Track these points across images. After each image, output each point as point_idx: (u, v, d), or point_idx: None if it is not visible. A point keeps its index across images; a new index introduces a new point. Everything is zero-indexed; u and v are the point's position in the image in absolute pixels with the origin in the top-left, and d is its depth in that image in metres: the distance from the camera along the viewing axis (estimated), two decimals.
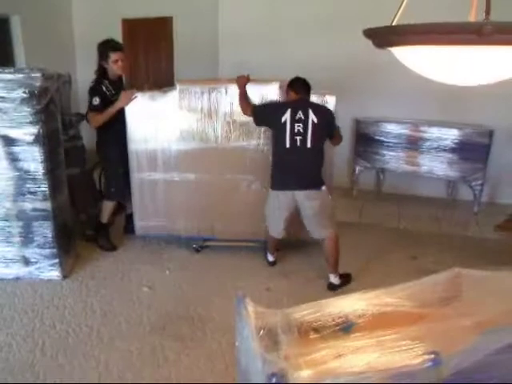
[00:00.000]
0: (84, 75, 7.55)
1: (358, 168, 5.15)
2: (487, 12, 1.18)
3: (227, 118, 3.41)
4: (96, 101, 3.35)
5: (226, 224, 3.63)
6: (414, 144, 4.83)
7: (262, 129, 3.36)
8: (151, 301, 2.99)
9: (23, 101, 2.88)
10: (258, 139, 3.44)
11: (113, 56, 3.42)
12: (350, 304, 1.70)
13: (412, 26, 1.24)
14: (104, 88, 3.46)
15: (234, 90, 3.30)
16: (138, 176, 3.57)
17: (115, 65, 3.44)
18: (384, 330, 1.45)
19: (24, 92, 2.87)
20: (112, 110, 3.40)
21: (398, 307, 1.67)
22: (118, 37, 7.32)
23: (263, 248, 3.61)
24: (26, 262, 3.18)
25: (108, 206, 3.70)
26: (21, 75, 2.89)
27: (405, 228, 4.33)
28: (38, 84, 2.88)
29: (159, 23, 7.18)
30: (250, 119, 3.24)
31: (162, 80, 7.16)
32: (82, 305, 2.92)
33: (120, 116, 3.42)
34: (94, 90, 3.42)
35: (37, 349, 2.48)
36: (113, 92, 3.48)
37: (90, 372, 2.32)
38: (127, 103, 3.41)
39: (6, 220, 3.10)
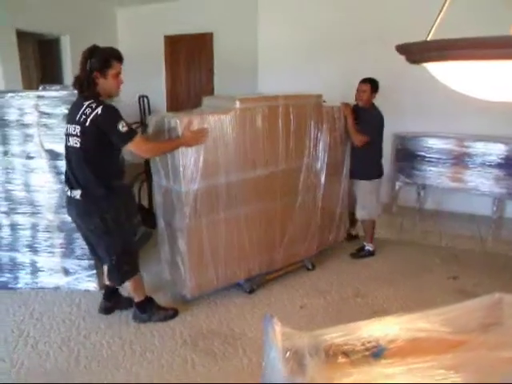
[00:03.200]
0: (126, 90, 7.85)
1: (397, 184, 5.01)
2: None
3: (285, 138, 3.19)
4: (125, 126, 2.40)
5: (284, 251, 3.40)
6: (457, 159, 4.65)
7: (312, 147, 3.35)
8: (185, 315, 2.99)
9: (65, 116, 3.00)
10: (308, 158, 3.37)
11: (116, 67, 2.47)
12: (382, 328, 1.63)
13: (449, 40, 1.19)
14: None
15: (291, 107, 3.14)
16: (195, 224, 2.84)
17: (115, 80, 2.49)
18: (417, 358, 1.38)
19: (66, 108, 3.00)
20: (175, 143, 2.66)
21: (433, 333, 1.58)
22: (160, 52, 7.58)
23: (303, 266, 3.60)
24: (66, 272, 3.27)
25: (136, 282, 2.82)
26: (64, 92, 3.02)
27: (446, 246, 4.16)
28: None
29: (200, 39, 7.35)
30: (305, 138, 3.28)
31: (201, 95, 7.31)
32: (116, 316, 2.97)
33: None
34: (115, 111, 2.43)
35: (71, 358, 2.54)
36: None
37: (120, 382, 2.34)
38: (199, 143, 2.73)
39: (49, 231, 3.21)
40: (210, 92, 7.47)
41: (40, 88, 3.42)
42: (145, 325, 2.86)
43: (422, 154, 4.79)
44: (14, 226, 3.22)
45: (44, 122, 3.04)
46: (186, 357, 2.56)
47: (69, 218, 3.03)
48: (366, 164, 3.69)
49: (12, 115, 3.08)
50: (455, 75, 1.29)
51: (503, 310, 1.68)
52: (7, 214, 3.20)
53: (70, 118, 2.50)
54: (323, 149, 3.45)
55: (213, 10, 6.87)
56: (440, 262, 3.77)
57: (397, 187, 5.03)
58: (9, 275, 3.30)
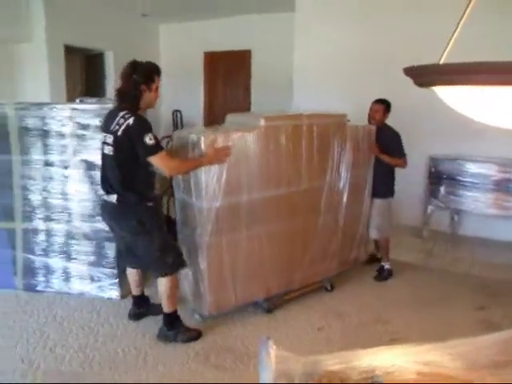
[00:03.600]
0: (165, 104, 8.09)
1: (430, 207, 4.86)
2: None
3: (308, 157, 3.16)
4: (152, 139, 2.45)
5: (304, 270, 3.34)
6: (496, 185, 4.46)
7: (334, 166, 3.34)
8: (201, 329, 2.96)
9: (98, 128, 3.12)
10: (330, 177, 3.35)
11: (157, 80, 2.60)
12: (387, 358, 1.58)
13: (455, 64, 1.17)
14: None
15: (315, 126, 3.15)
16: (215, 241, 2.82)
17: (156, 93, 2.62)
18: None
19: (100, 121, 3.11)
20: (198, 162, 2.67)
21: (440, 368, 1.51)
22: (199, 68, 7.77)
23: (322, 286, 3.55)
24: (91, 279, 3.36)
25: (173, 282, 2.76)
26: (96, 106, 3.15)
27: (477, 274, 3.97)
28: None
29: (239, 56, 7.49)
30: (328, 157, 3.29)
31: (238, 111, 7.42)
32: (134, 326, 3.01)
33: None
34: (146, 123, 2.51)
35: (86, 363, 2.59)
36: None
37: None
38: (222, 162, 2.73)
39: (78, 239, 3.32)
40: (247, 108, 7.57)
41: (77, 101, 3.58)
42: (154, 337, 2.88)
43: (459, 178, 4.62)
44: (48, 232, 3.35)
45: (79, 133, 3.18)
46: (197, 370, 2.57)
47: (100, 227, 3.15)
48: (381, 182, 3.69)
49: (50, 126, 3.22)
50: (463, 100, 1.26)
51: None
52: (44, 220, 3.34)
53: (106, 128, 2.62)
54: (346, 168, 3.42)
55: (251, 27, 7.00)
56: (468, 291, 3.60)
57: (429, 211, 4.87)
58: (39, 278, 3.43)
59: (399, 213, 5.19)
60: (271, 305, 3.22)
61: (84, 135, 3.19)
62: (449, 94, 1.29)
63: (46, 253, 3.38)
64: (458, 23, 1.38)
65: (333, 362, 1.45)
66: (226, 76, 7.80)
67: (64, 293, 3.40)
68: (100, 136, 3.06)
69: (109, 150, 2.57)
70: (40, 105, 3.26)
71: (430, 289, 3.64)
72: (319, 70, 5.35)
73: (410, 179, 4.90)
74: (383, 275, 3.77)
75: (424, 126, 4.74)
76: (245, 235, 2.94)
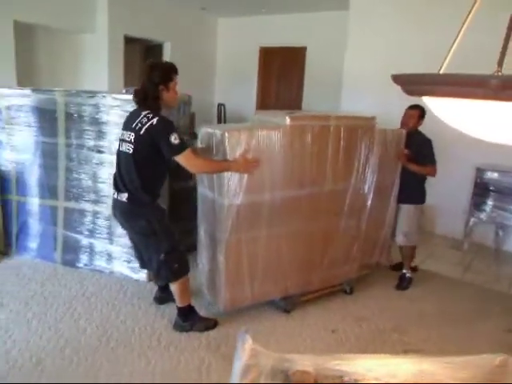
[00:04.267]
0: (217, 97, 8.26)
1: (472, 220, 4.63)
2: (499, 64, 1.03)
3: (333, 159, 3.11)
4: (177, 139, 2.49)
5: (323, 272, 3.32)
6: None
7: (360, 169, 3.27)
8: (218, 319, 3.04)
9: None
10: (356, 180, 3.27)
11: (175, 79, 2.62)
12: (378, 365, 1.56)
13: (424, 75, 1.17)
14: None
15: (342, 128, 3.08)
16: (235, 238, 2.83)
17: (174, 92, 2.64)
18: None
19: None
20: (225, 165, 2.68)
21: (431, 381, 1.48)
22: (254, 63, 7.86)
23: (341, 289, 3.52)
24: (123, 260, 3.54)
25: (183, 284, 2.83)
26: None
27: None
28: None
29: (294, 52, 7.49)
30: (354, 159, 3.22)
31: (290, 106, 7.43)
32: (155, 308, 3.15)
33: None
34: (170, 123, 2.55)
35: (104, 337, 2.77)
36: None
37: (137, 369, 2.50)
38: (248, 172, 2.73)
39: (110, 220, 3.51)
40: (298, 106, 7.57)
41: (123, 91, 3.77)
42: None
43: (506, 191, 4.38)
44: (81, 211, 3.58)
45: (116, 121, 3.34)
46: (204, 358, 2.65)
47: None
48: (411, 188, 3.56)
49: (96, 113, 3.40)
50: (445, 110, 1.24)
51: (507, 374, 1.51)
52: (76, 199, 3.57)
53: (127, 125, 2.67)
54: (372, 171, 3.33)
55: (307, 24, 6.97)
56: (502, 312, 3.41)
57: (471, 223, 4.64)
58: (75, 255, 3.68)
59: (437, 221, 5.01)
60: (289, 305, 3.22)
61: (120, 124, 3.31)
62: (434, 104, 1.26)
63: (84, 232, 3.61)
64: (459, 32, 1.34)
65: (307, 363, 1.47)
66: (279, 72, 7.83)
67: (96, 270, 3.62)
68: None
69: (127, 147, 2.59)
70: (86, 93, 3.47)
71: (459, 304, 3.49)
72: (370, 70, 5.23)
73: (453, 188, 4.71)
74: (404, 284, 3.67)
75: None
76: (265, 234, 2.94)
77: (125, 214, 2.73)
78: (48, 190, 3.62)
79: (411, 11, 4.97)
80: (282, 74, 7.82)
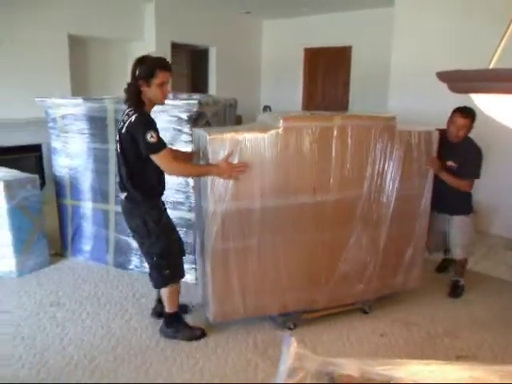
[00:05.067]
0: (263, 99, 8.29)
1: None
2: None
3: (339, 165, 2.81)
4: (154, 137, 2.39)
5: (330, 290, 3.02)
6: None
7: (376, 176, 2.91)
8: (265, 321, 3.04)
9: (185, 122, 3.34)
10: (369, 188, 2.92)
11: (160, 76, 2.45)
12: (422, 369, 1.52)
13: (490, 71, 1.11)
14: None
15: (349, 129, 2.77)
16: (222, 247, 2.67)
17: (159, 89, 2.47)
18: None
19: (187, 116, 3.32)
20: (204, 170, 2.61)
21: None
22: (299, 64, 7.83)
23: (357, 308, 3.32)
24: None
25: (171, 291, 2.79)
26: (185, 101, 3.36)
27: None
28: (194, 109, 3.31)
29: (339, 52, 7.41)
30: (367, 165, 2.89)
31: (336, 106, 7.35)
32: (202, 310, 3.16)
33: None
34: (148, 121, 2.46)
35: (154, 337, 2.84)
36: None
37: (185, 369, 2.56)
38: (232, 178, 2.58)
39: None
40: (345, 106, 7.47)
41: (170, 96, 3.85)
42: (224, 323, 3.00)
43: None
44: None
45: (167, 126, 3.38)
46: (252, 360, 2.66)
47: (176, 214, 3.36)
48: (462, 197, 3.30)
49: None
50: (500, 108, 1.17)
51: None
52: None
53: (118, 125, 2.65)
54: (392, 179, 2.96)
55: (351, 22, 6.88)
56: None
57: None
58: (126, 257, 3.81)
59: (493, 221, 4.77)
60: (289, 322, 3.00)
61: (178, 129, 3.40)
62: (485, 102, 1.20)
63: (127, 232, 3.70)
64: (508, 27, 1.27)
65: (355, 367, 1.45)
66: (325, 72, 7.77)
67: (146, 273, 3.69)
68: (187, 129, 3.30)
69: (117, 146, 2.58)
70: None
71: None
72: (417, 68, 5.06)
73: (510, 185, 4.48)
74: (457, 291, 3.48)
75: None
76: (256, 244, 2.74)
77: (124, 212, 2.70)
78: (100, 194, 3.77)
79: (458, 7, 4.77)
80: (327, 74, 7.75)
